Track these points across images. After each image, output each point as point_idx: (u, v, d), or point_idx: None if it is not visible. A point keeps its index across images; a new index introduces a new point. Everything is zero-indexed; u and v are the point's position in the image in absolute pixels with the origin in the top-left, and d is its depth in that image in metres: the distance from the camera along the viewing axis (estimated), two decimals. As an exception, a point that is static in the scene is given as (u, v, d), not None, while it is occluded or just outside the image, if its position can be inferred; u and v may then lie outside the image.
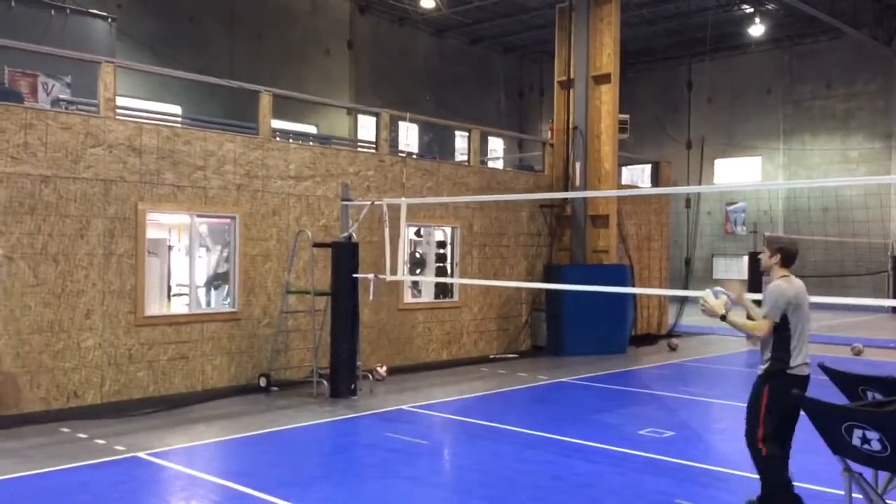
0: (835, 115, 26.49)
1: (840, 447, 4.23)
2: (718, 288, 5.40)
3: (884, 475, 4.58)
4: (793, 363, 5.14)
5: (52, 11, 14.68)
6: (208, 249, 12.57)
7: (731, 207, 28.40)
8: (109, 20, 15.28)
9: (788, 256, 5.31)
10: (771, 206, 27.61)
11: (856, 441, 4.05)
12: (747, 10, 24.59)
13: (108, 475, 6.53)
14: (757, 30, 25.01)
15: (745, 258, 18.93)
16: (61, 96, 12.63)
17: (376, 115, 12.87)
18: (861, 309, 23.36)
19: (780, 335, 5.14)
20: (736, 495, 5.93)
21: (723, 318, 5.21)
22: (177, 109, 18.12)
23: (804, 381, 5.16)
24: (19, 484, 6.27)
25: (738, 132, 28.30)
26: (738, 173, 28.38)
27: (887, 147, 25.44)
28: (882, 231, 25.19)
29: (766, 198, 27.48)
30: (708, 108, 29.09)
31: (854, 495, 4.41)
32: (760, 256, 5.56)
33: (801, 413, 4.69)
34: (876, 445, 3.97)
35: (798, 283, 5.28)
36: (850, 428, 4.10)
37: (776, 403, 5.11)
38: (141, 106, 14.47)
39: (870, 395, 5.04)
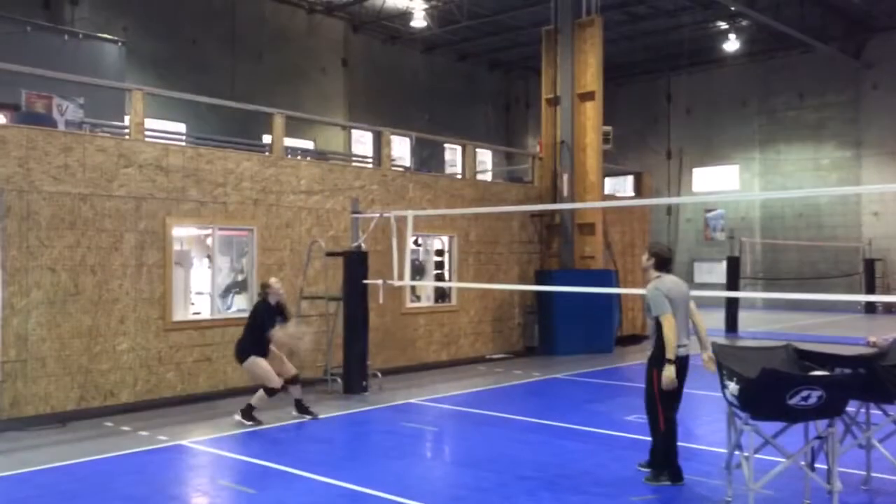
0: (807, 125, 27.75)
1: (771, 409, 5.33)
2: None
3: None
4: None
5: (66, 36, 15.54)
6: (210, 259, 13.39)
7: (709, 214, 29.57)
8: (119, 43, 16.14)
9: (661, 260, 6.41)
10: (747, 213, 28.79)
11: (795, 400, 5.17)
12: (722, 27, 25.82)
13: (160, 459, 7.40)
14: (731, 45, 26.26)
15: (724, 262, 19.93)
16: (74, 118, 13.43)
17: (378, 133, 13.81)
18: (834, 309, 24.49)
19: (658, 325, 6.20)
20: (710, 465, 6.91)
21: (671, 362, 6.19)
22: (181, 127, 18.93)
23: (682, 360, 6.21)
24: (84, 467, 7.13)
25: (716, 142, 29.51)
26: (716, 181, 29.56)
27: (857, 155, 26.71)
28: (854, 235, 26.42)
29: (744, 205, 28.68)
30: (686, 120, 30.34)
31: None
32: (642, 257, 6.67)
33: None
34: (813, 400, 5.22)
35: (671, 280, 6.33)
36: (798, 390, 5.18)
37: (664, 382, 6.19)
38: (149, 125, 15.32)
39: (837, 370, 6.03)
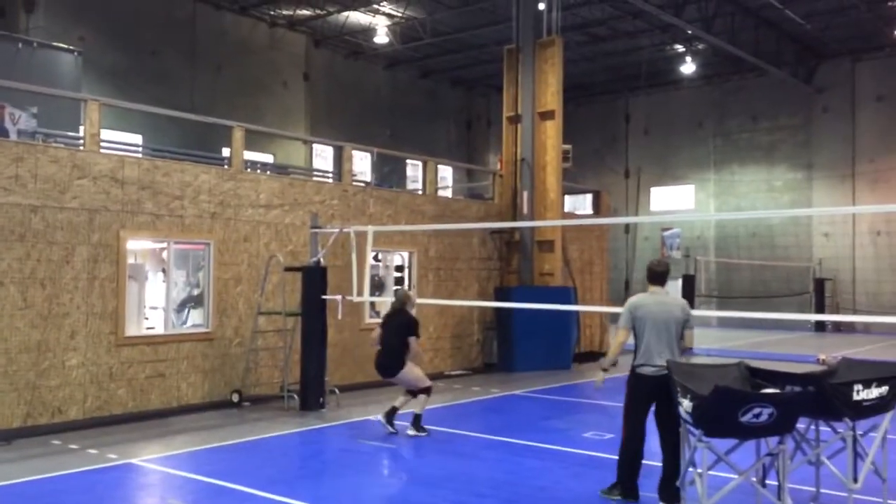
0: (760, 147, 28.43)
1: (724, 427, 5.41)
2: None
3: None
4: (636, 363, 6.30)
5: (20, 45, 15.22)
6: (165, 273, 13.18)
7: (666, 233, 30.04)
8: (75, 53, 15.85)
9: (651, 274, 6.52)
10: (703, 232, 29.34)
11: (748, 417, 5.25)
12: (679, 50, 26.39)
13: (109, 479, 7.21)
14: (688, 68, 26.84)
15: (680, 280, 20.27)
16: (27, 128, 13.13)
17: (339, 148, 13.77)
18: (785, 328, 25.01)
19: (635, 341, 6.32)
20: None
21: (605, 370, 6.41)
22: (138, 138, 18.64)
23: (647, 379, 6.23)
24: (30, 486, 6.91)
25: (673, 162, 30.06)
26: (672, 201, 30.07)
27: (808, 177, 27.42)
28: (805, 255, 27.09)
29: (699, 224, 29.22)
30: (644, 140, 30.86)
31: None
32: None
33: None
34: (764, 417, 5.31)
35: (650, 298, 6.35)
36: (750, 408, 5.27)
37: (629, 398, 6.35)
38: (105, 136, 15.06)
39: (788, 387, 6.14)
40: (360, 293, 10.42)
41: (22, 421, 9.11)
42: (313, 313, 10.63)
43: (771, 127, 28.16)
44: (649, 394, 6.23)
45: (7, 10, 18.14)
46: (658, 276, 6.47)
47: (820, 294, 25.88)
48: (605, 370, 6.45)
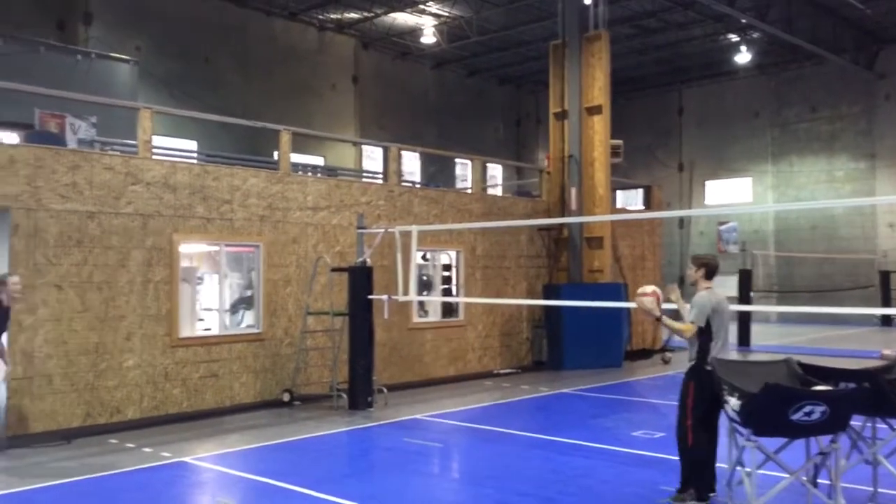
0: (820, 137, 27.54)
1: (773, 426, 5.25)
2: (653, 287, 6.35)
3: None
4: (711, 361, 6.03)
5: (79, 56, 15.75)
6: (226, 276, 13.47)
7: (722, 227, 29.36)
8: (132, 63, 16.34)
9: (710, 271, 6.27)
10: (761, 225, 28.58)
11: (798, 416, 5.11)
12: (733, 39, 25.74)
13: (163, 477, 7.40)
14: (743, 57, 26.15)
15: (736, 275, 19.76)
16: (87, 137, 13.58)
17: (386, 148, 13.86)
18: (850, 322, 24.19)
19: (703, 337, 6.07)
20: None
21: (658, 319, 6.13)
22: (193, 144, 19.10)
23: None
24: (89, 484, 7.14)
25: (728, 155, 29.35)
26: (728, 194, 29.37)
27: (871, 167, 26.45)
28: (869, 247, 26.14)
29: (757, 217, 28.46)
30: (698, 133, 30.20)
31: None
32: (687, 272, 6.48)
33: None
34: (816, 416, 5.16)
35: (719, 294, 6.19)
36: (801, 406, 5.12)
37: (700, 395, 6.02)
38: (161, 143, 15.48)
39: (842, 384, 5.94)
40: (406, 293, 10.46)
41: (82, 420, 9.43)
42: (360, 313, 10.73)
43: (831, 116, 27.25)
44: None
45: (66, 23, 18.79)
46: (716, 270, 6.31)
47: (885, 287, 24.91)
48: (658, 319, 6.15)
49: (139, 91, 16.36)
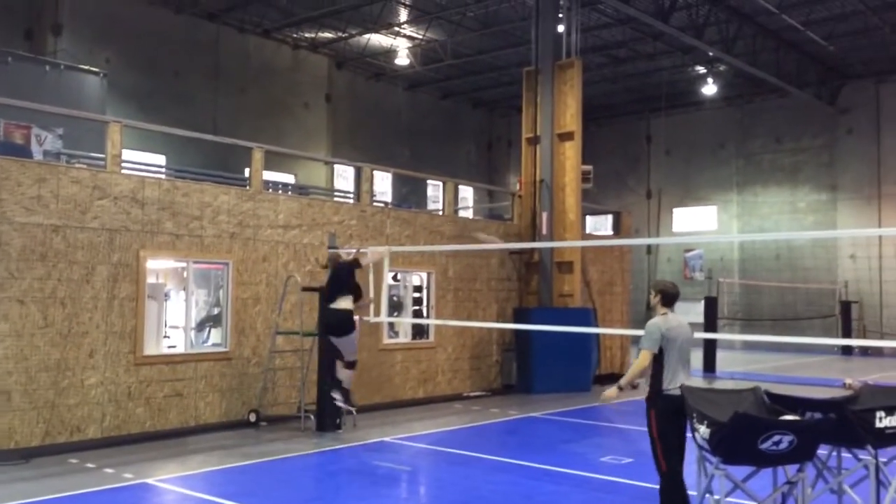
0: (784, 169, 28.16)
1: (742, 454, 5.30)
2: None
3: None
4: (666, 386, 6.09)
5: (47, 67, 15.52)
6: (193, 293, 13.26)
7: (689, 254, 29.77)
8: (101, 75, 16.13)
9: (667, 297, 6.35)
10: (726, 253, 29.03)
11: (767, 445, 5.15)
12: (701, 71, 26.30)
13: (125, 498, 7.21)
14: (710, 89, 26.71)
15: (702, 302, 20.02)
16: (52, 149, 13.33)
17: (358, 168, 13.83)
18: (811, 351, 24.59)
19: (657, 363, 6.12)
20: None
21: (620, 388, 6.15)
22: (161, 159, 18.87)
23: (678, 399, 6.03)
24: (44, 505, 6.93)
25: (695, 183, 29.86)
26: (694, 222, 29.83)
27: (833, 199, 27.09)
28: (830, 277, 26.69)
29: (723, 245, 28.93)
30: (666, 161, 30.70)
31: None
32: (648, 297, 6.58)
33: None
34: (784, 445, 5.20)
35: (674, 319, 6.25)
36: (770, 435, 5.17)
37: (662, 420, 6.06)
38: (129, 156, 15.24)
39: (808, 414, 6.01)
40: (377, 313, 10.40)
41: (41, 439, 9.16)
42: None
43: (794, 148, 27.91)
44: (678, 413, 6.06)
45: (35, 33, 18.53)
46: (675, 297, 6.38)
47: (846, 317, 25.44)
48: (621, 389, 6.27)
49: (108, 103, 16.16)
